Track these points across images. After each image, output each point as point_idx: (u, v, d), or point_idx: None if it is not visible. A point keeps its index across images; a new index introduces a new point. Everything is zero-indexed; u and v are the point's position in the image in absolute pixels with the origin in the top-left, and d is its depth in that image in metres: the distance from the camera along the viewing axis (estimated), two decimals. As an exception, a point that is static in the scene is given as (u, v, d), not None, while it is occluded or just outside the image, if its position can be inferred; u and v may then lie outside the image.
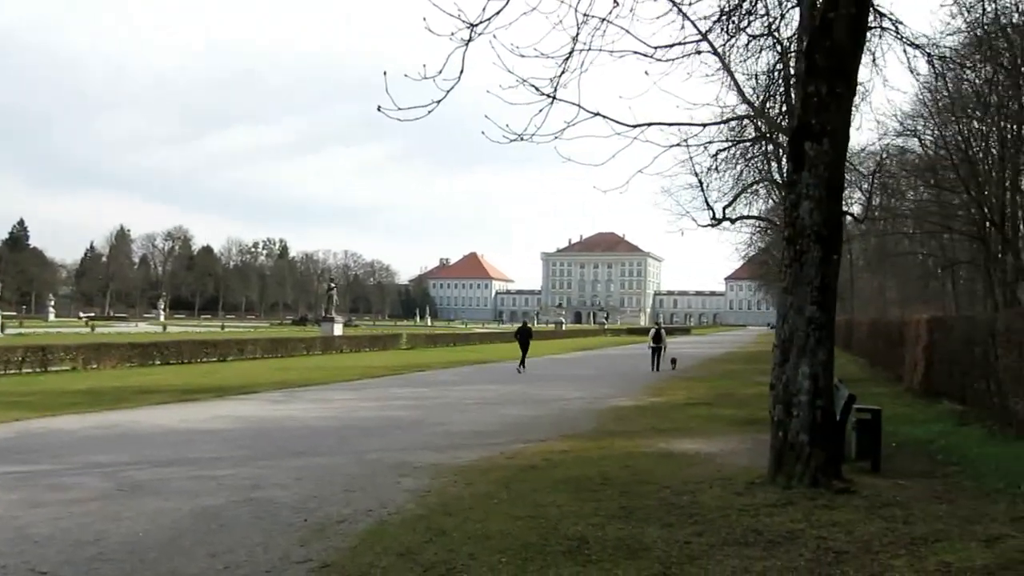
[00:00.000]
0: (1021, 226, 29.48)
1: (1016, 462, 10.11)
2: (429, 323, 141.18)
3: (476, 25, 7.75)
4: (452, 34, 7.70)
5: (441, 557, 6.43)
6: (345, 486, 9.21)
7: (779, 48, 22.31)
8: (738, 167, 34.68)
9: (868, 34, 12.50)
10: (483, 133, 8.58)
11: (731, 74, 12.02)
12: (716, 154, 31.49)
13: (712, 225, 34.13)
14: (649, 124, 9.98)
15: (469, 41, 7.73)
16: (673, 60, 10.19)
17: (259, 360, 34.36)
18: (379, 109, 7.64)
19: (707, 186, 33.38)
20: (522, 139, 8.97)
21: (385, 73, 7.30)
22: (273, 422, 15.07)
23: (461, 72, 7.63)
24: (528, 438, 13.23)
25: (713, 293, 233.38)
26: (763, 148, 32.85)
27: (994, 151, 29.42)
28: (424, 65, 7.67)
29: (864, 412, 10.44)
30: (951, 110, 28.77)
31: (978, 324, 14.96)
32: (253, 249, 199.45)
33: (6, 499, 8.42)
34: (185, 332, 61.51)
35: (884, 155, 34.93)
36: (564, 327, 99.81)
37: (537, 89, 9.11)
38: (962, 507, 8.06)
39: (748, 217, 34.89)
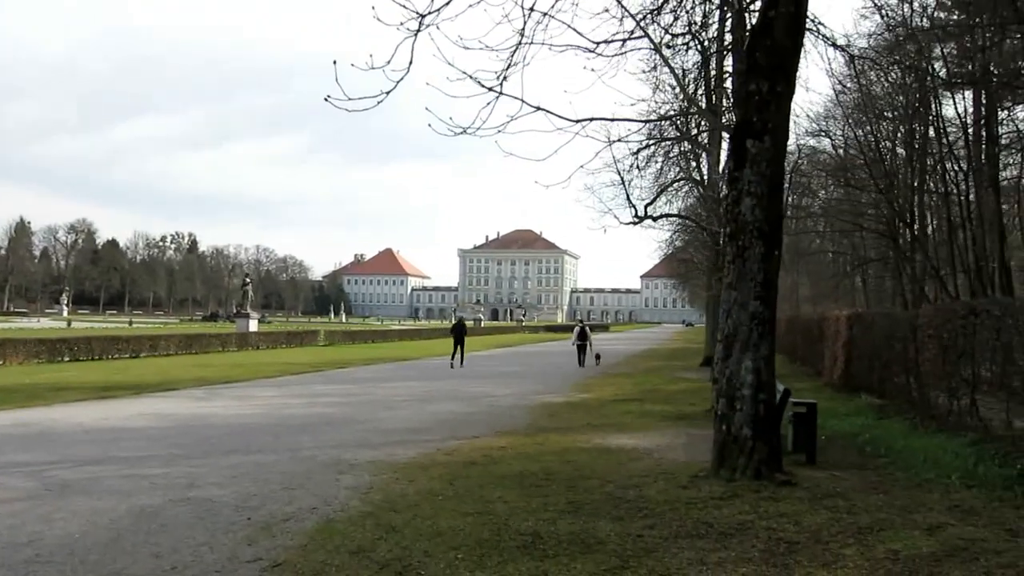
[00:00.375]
0: (930, 225, 30.95)
1: (941, 453, 10.58)
2: (344, 320, 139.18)
3: (426, 16, 7.65)
4: (401, 24, 7.58)
5: (395, 554, 6.35)
6: (284, 484, 9.00)
7: (700, 48, 22.85)
8: (659, 166, 35.30)
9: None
10: (429, 126, 8.50)
11: (671, 68, 12.21)
12: (637, 152, 31.92)
13: (634, 223, 34.62)
14: (591, 119, 10.08)
15: (418, 31, 7.64)
16: (612, 57, 10.30)
17: (173, 357, 33.28)
18: (327, 99, 7.49)
19: (629, 184, 33.93)
20: (467, 132, 8.91)
21: (335, 62, 7.16)
22: (198, 419, 14.61)
23: (410, 63, 7.54)
24: (463, 435, 13.16)
25: (629, 291, 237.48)
26: (682, 147, 33.61)
27: (902, 152, 30.81)
28: (371, 55, 7.55)
29: (800, 406, 10.76)
30: (863, 111, 29.95)
31: (899, 320, 15.60)
32: (161, 243, 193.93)
33: (-80, 502, 7.95)
34: (91, 328, 59.07)
35: (797, 155, 36.11)
36: (483, 324, 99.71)
37: (481, 84, 9.07)
38: (899, 497, 8.38)
39: (670, 215, 35.56)
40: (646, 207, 34.13)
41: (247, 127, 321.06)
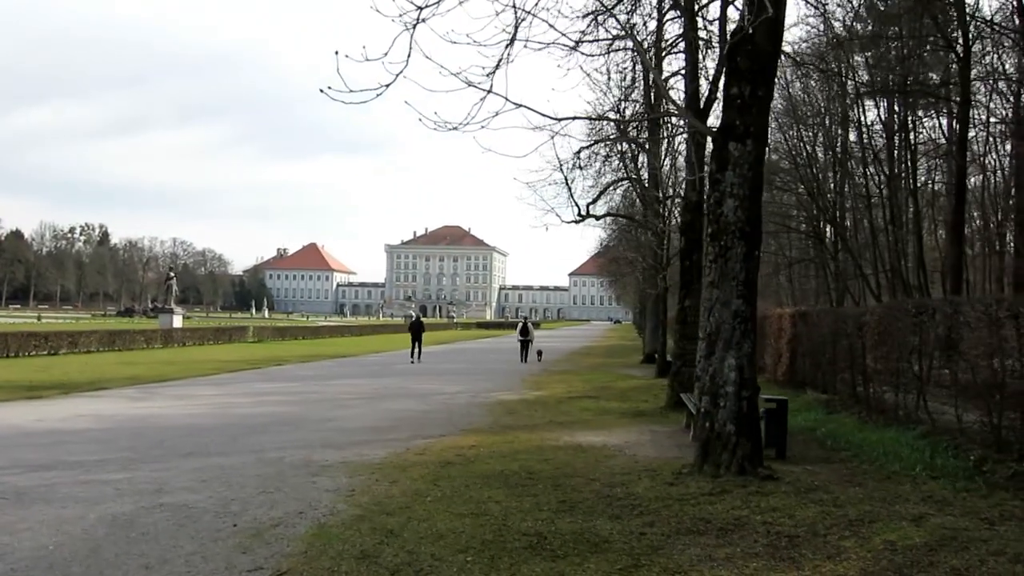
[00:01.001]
0: (853, 227, 31.99)
1: (897, 446, 10.83)
2: (267, 315, 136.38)
3: (423, 8, 7.44)
4: (400, 16, 7.34)
5: (403, 559, 6.15)
6: (260, 488, 8.66)
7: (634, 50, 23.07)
8: (598, 165, 35.64)
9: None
10: (419, 120, 8.25)
11: (647, 69, 12.21)
12: (579, 152, 32.09)
13: (577, 221, 34.89)
14: (573, 118, 10.01)
15: (416, 24, 7.41)
16: (591, 56, 10.22)
17: (96, 354, 31.99)
18: (322, 91, 7.20)
19: (572, 182, 34.09)
20: (457, 129, 8.72)
21: (336, 53, 6.89)
22: (143, 420, 14.02)
23: (409, 55, 7.31)
24: (427, 434, 12.95)
25: (557, 288, 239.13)
26: (620, 148, 33.96)
27: (827, 156, 31.81)
28: (364, 47, 7.29)
29: (771, 402, 10.91)
30: (789, 115, 30.81)
31: (845, 317, 16.00)
32: (70, 235, 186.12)
33: None
34: (-2, 324, 56.48)
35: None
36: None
37: (471, 84, 8.86)
38: (874, 489, 8.55)
39: (613, 214, 35.97)
40: (588, 206, 34.44)
41: (163, 116, 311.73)
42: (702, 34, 16.93)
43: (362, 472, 9.59)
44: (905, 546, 6.47)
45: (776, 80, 27.84)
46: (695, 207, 17.20)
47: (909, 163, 25.76)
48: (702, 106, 16.81)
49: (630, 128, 32.09)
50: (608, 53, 20.22)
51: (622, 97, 30.34)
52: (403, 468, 9.86)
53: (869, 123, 28.60)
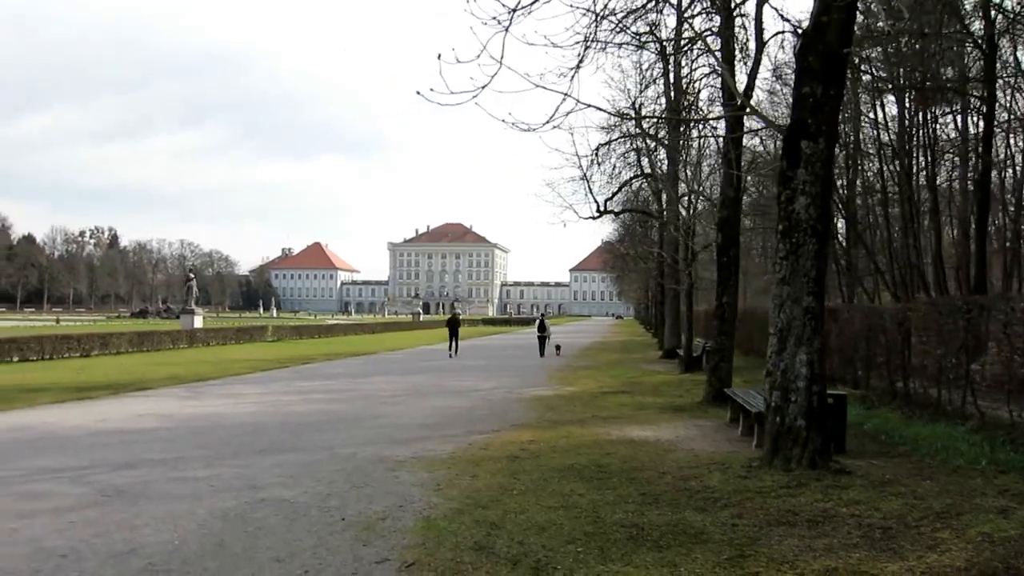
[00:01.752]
0: (869, 224, 32.05)
1: (955, 441, 10.90)
2: (275, 315, 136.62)
3: (516, 10, 7.58)
4: (494, 18, 7.48)
5: (517, 550, 6.29)
6: (348, 483, 8.80)
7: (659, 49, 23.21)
8: (613, 162, 35.70)
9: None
10: (502, 121, 8.39)
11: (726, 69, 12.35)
12: (597, 149, 32.17)
13: (595, 217, 34.98)
14: (656, 118, 10.08)
15: (509, 26, 7.55)
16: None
17: (127, 355, 32.13)
18: (419, 93, 7.34)
19: (591, 179, 34.18)
20: (534, 131, 8.87)
21: (439, 56, 7.01)
22: (202, 419, 14.16)
23: (502, 57, 7.44)
24: (480, 429, 13.08)
25: (558, 284, 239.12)
26: (635, 144, 34.06)
27: (841, 152, 31.80)
28: (453, 49, 7.43)
29: (829, 396, 11.02)
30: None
31: (881, 314, 16.13)
32: (80, 238, 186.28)
33: (-20, 510, 7.52)
34: (16, 327, 56.72)
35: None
36: (421, 318, 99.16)
37: (547, 88, 9.00)
38: (948, 483, 8.66)
39: (632, 210, 36.09)
40: (606, 202, 34.53)
41: (161, 120, 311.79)
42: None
43: (437, 467, 9.74)
44: (1002, 538, 6.57)
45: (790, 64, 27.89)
46: (732, 203, 17.28)
47: (928, 159, 25.79)
48: (739, 103, 16.93)
49: (650, 126, 32.18)
50: (636, 50, 20.25)
51: (638, 95, 30.49)
52: (475, 463, 10.00)
53: (885, 118, 28.61)
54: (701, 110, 23.39)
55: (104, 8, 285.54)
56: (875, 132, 29.59)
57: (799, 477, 8.60)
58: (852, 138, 30.42)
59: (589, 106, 9.64)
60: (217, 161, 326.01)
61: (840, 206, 30.97)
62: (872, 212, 32.55)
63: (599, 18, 8.82)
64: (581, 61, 8.95)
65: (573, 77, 8.67)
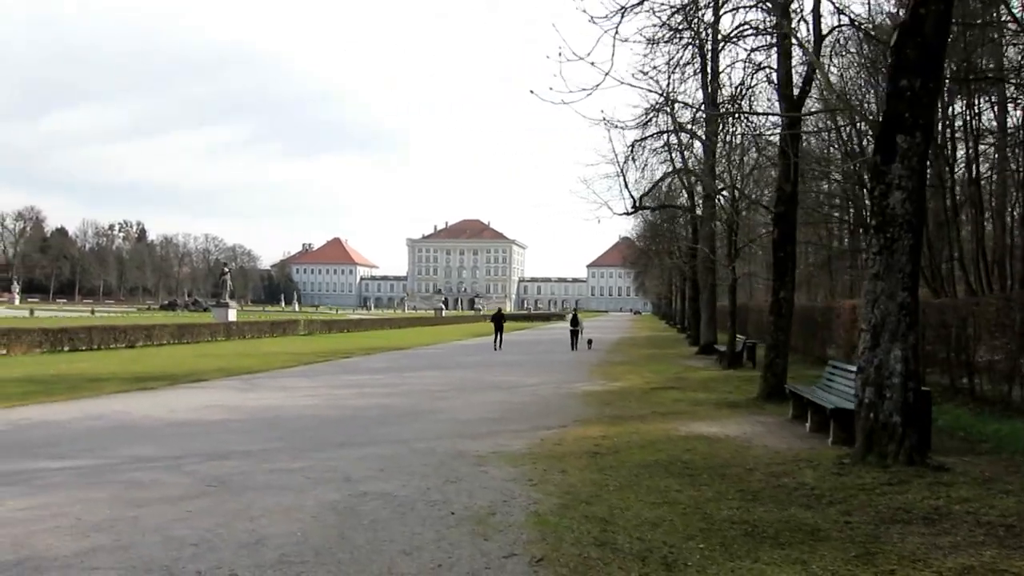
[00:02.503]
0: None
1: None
2: (297, 308, 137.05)
3: (626, 9, 7.51)
4: (607, 16, 7.40)
5: (639, 546, 6.20)
6: (440, 477, 8.71)
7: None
8: (644, 157, 35.44)
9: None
10: (614, 126, 8.29)
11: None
12: (632, 145, 31.94)
13: (629, 213, 34.75)
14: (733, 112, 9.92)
15: (619, 24, 7.48)
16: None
17: (170, 346, 32.32)
18: (532, 92, 7.29)
19: (624, 174, 34.00)
20: (629, 129, 8.76)
21: (560, 54, 6.96)
22: (268, 411, 14.15)
23: (613, 55, 7.36)
24: (544, 425, 12.98)
25: (576, 280, 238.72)
26: (667, 140, 33.80)
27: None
28: (559, 49, 7.36)
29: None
30: (841, 98, 30.09)
31: (943, 309, 15.88)
32: (109, 231, 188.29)
33: (92, 497, 7.56)
34: (54, 317, 57.27)
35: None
36: (443, 313, 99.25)
37: (651, 90, 8.89)
38: (1051, 481, 8.52)
39: (667, 206, 35.88)
40: (641, 197, 34.35)
41: (183, 117, 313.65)
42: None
43: (521, 462, 9.65)
44: None
45: (824, 58, 27.44)
46: (789, 198, 17.07)
47: (972, 150, 25.37)
48: (796, 97, 16.72)
49: (688, 120, 31.80)
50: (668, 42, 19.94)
51: (675, 88, 30.09)
52: (557, 458, 9.91)
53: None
54: (745, 104, 23.14)
55: (130, 8, 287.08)
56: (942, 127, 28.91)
57: (898, 474, 8.46)
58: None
59: (675, 101, 9.51)
60: (236, 159, 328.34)
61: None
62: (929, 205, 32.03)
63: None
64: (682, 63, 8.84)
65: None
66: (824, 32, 16.35)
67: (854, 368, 10.09)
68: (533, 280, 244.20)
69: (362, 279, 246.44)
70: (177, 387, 17.77)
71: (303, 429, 12.17)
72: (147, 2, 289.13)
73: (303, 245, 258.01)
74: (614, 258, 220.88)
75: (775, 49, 17.03)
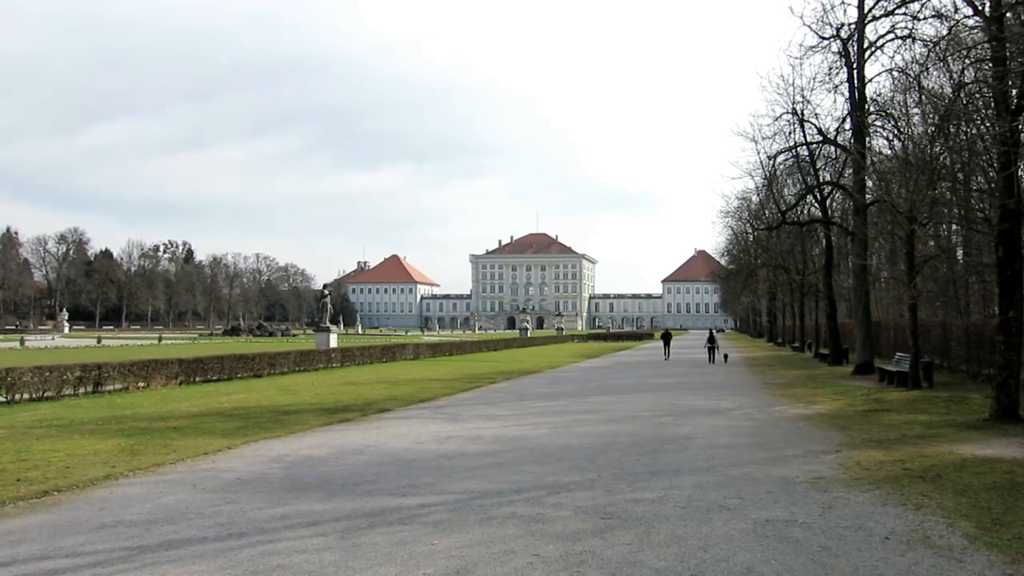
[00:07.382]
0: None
1: None
2: (359, 331, 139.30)
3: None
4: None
5: None
6: (819, 504, 9.36)
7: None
8: (779, 172, 36.38)
9: None
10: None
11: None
12: (774, 157, 32.55)
13: (775, 228, 35.38)
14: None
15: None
16: None
17: (294, 375, 33.56)
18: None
19: (775, 188, 34.57)
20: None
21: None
22: (517, 441, 14.88)
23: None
24: (811, 450, 13.64)
25: (650, 296, 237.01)
26: (802, 154, 34.45)
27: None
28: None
29: None
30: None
31: None
32: (155, 252, 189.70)
33: (503, 534, 8.27)
34: (125, 347, 59.62)
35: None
36: (529, 333, 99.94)
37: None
38: None
39: (815, 221, 36.27)
40: (785, 212, 34.91)
41: (230, 130, 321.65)
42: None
43: (858, 486, 10.39)
44: None
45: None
46: (1013, 215, 17.41)
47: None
48: (1013, 107, 17.12)
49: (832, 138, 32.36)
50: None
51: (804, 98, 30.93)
52: (894, 481, 10.46)
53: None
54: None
55: (173, 17, 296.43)
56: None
57: None
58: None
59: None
60: (285, 173, 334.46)
61: None
62: None
63: None
64: None
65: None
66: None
67: None
68: (605, 296, 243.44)
69: (422, 298, 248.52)
70: (370, 418, 18.51)
71: (591, 458, 12.86)
72: (190, 13, 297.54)
73: (358, 263, 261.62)
74: (692, 272, 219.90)
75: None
